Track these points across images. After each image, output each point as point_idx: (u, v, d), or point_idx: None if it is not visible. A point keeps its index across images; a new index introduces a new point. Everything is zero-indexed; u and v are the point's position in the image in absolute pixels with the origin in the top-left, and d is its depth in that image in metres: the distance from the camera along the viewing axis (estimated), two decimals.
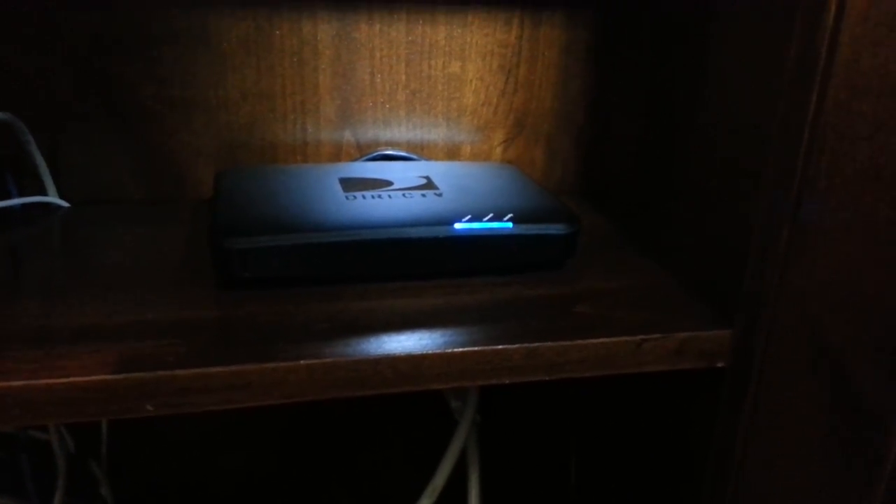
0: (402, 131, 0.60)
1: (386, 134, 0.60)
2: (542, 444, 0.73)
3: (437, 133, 0.61)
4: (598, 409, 0.63)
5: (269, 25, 0.55)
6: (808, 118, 0.35)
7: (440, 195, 0.49)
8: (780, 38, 0.36)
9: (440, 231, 0.44)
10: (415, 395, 0.39)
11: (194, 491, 0.68)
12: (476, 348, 0.38)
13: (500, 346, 0.38)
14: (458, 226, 0.45)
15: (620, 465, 0.59)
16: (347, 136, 0.59)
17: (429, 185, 0.50)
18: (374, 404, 0.68)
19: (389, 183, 0.50)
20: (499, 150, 0.62)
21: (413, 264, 0.45)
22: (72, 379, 0.34)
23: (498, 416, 0.67)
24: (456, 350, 0.38)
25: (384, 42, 0.57)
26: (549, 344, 0.39)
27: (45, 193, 0.54)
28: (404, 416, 0.70)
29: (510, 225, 0.46)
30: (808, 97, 0.35)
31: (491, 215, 0.46)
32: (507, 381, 0.39)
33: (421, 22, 0.57)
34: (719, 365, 0.42)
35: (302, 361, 0.36)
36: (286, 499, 0.70)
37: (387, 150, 0.60)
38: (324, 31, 0.55)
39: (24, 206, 0.53)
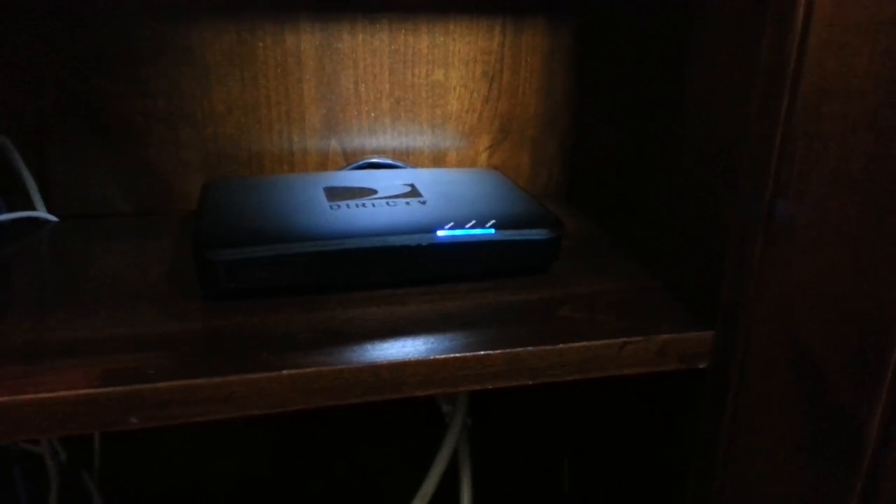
0: (387, 139, 0.60)
1: (371, 142, 0.60)
2: (535, 447, 0.73)
3: (422, 140, 0.61)
4: (590, 411, 0.63)
5: (252, 38, 0.55)
6: (780, 121, 0.36)
7: (424, 202, 0.49)
8: (753, 43, 0.37)
9: (423, 239, 0.45)
10: (406, 399, 0.40)
11: (188, 499, 0.68)
12: (457, 355, 0.38)
13: (481, 353, 0.39)
14: (440, 233, 0.45)
15: (613, 468, 0.59)
16: (333, 144, 0.59)
17: (413, 192, 0.51)
18: (366, 408, 0.68)
19: (374, 191, 0.51)
20: (484, 155, 0.63)
21: (397, 272, 0.45)
22: (56, 394, 0.34)
23: (490, 420, 0.67)
24: (438, 357, 0.38)
25: (367, 51, 0.57)
26: (530, 349, 0.39)
27: (33, 209, 0.55)
28: (396, 420, 0.70)
29: (493, 231, 0.46)
30: (779, 101, 0.35)
31: (473, 222, 0.46)
32: (490, 387, 0.40)
33: (403, 31, 0.57)
34: (701, 366, 0.43)
35: (284, 371, 0.36)
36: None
37: (373, 158, 0.60)
38: (307, 41, 0.56)
39: (12, 221, 0.54)
